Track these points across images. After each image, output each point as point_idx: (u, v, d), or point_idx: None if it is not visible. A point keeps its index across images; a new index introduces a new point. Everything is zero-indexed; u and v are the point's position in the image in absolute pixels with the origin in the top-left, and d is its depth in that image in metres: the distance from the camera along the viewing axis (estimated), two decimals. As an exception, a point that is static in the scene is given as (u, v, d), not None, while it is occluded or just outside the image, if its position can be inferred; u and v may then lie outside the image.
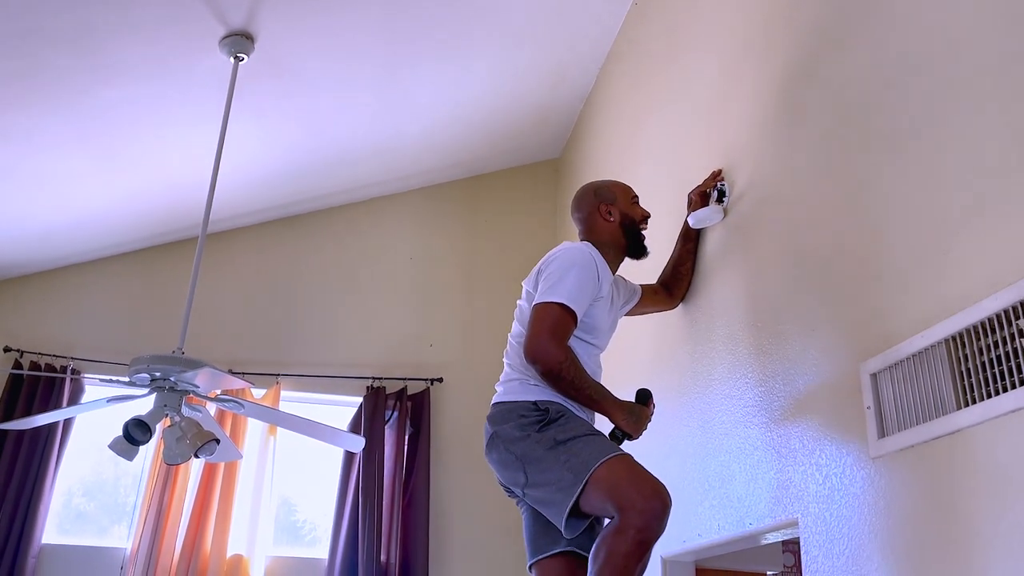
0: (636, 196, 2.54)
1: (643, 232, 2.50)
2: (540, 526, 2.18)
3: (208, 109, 3.67)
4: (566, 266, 2.21)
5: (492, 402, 2.26)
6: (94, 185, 4.08)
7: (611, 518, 1.97)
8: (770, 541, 2.37)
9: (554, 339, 2.12)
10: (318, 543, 4.56)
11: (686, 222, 2.79)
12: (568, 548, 2.13)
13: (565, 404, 2.16)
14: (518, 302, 2.34)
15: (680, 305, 2.90)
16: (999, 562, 1.42)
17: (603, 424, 2.25)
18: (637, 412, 2.19)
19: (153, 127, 3.79)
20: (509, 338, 2.33)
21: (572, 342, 2.23)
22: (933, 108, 1.71)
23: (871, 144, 1.92)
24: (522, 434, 2.11)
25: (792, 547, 3.57)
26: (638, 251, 2.48)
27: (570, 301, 2.15)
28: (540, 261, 2.32)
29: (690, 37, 3.25)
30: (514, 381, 2.22)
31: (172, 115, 3.74)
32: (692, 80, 3.17)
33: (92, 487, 4.57)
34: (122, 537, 4.40)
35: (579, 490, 1.97)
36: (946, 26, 1.70)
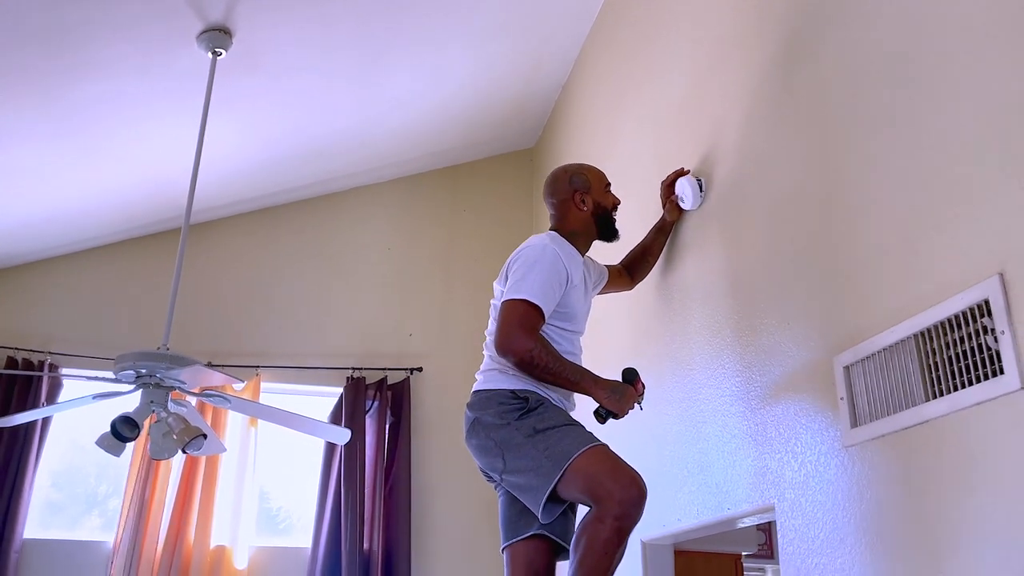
0: (609, 183, 2.58)
1: (615, 218, 2.55)
2: (516, 511, 2.25)
3: (187, 104, 3.66)
4: (529, 263, 2.26)
5: (472, 390, 2.32)
6: (72, 179, 4.06)
7: (589, 507, 2.05)
8: (747, 525, 2.46)
9: (522, 329, 2.16)
10: (300, 533, 4.60)
11: (663, 216, 2.86)
12: (540, 532, 2.20)
13: (544, 393, 2.23)
14: (492, 301, 2.39)
15: (659, 293, 2.98)
16: (965, 543, 1.52)
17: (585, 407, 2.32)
18: (620, 390, 2.21)
19: (132, 122, 3.77)
20: (486, 333, 2.38)
21: (551, 331, 2.29)
22: (908, 110, 1.79)
23: (848, 140, 2.00)
24: (502, 421, 2.18)
25: (764, 526, 3.70)
26: (609, 236, 2.54)
27: (533, 297, 2.19)
28: (508, 259, 2.36)
29: (668, 27, 3.30)
30: (494, 370, 2.28)
31: (151, 110, 3.73)
32: (670, 69, 3.22)
33: (63, 478, 4.57)
34: (96, 528, 4.42)
35: (558, 477, 2.04)
36: (924, 24, 1.77)
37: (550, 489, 2.06)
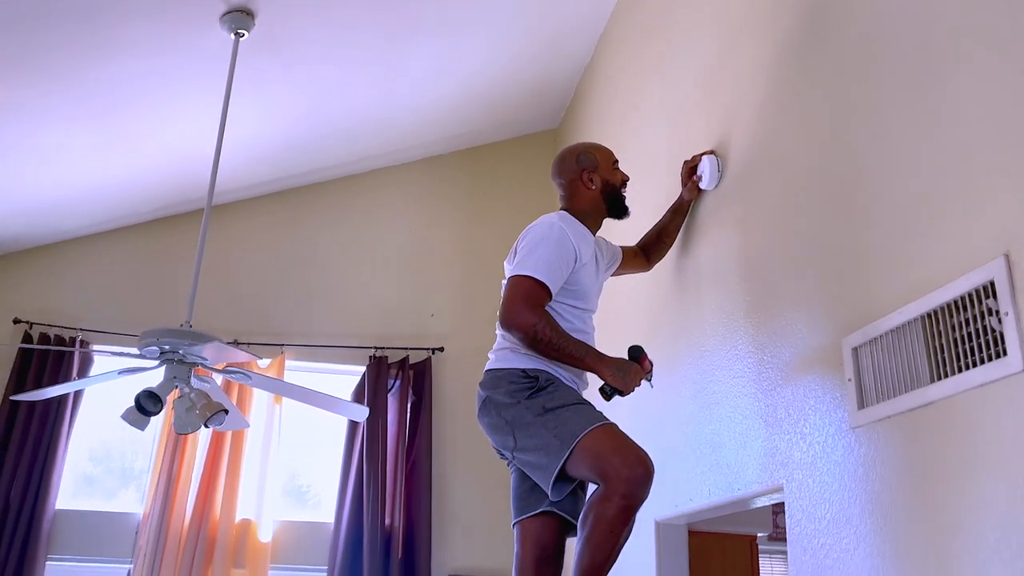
0: (616, 160, 2.57)
1: (624, 194, 2.54)
2: (526, 488, 2.28)
3: (210, 85, 3.71)
4: (536, 241, 2.27)
5: (485, 369, 2.34)
6: (99, 159, 4.14)
7: (596, 485, 2.07)
8: (757, 506, 2.47)
9: (526, 305, 2.17)
10: (324, 508, 4.68)
11: (681, 195, 2.86)
12: (549, 509, 2.22)
13: (554, 373, 2.24)
14: (502, 281, 2.40)
15: (673, 274, 2.98)
16: (968, 523, 1.51)
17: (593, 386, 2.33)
18: (625, 367, 2.22)
19: (156, 103, 3.84)
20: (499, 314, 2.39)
21: (562, 308, 2.30)
22: (917, 93, 1.77)
23: (860, 124, 1.98)
24: (512, 400, 2.20)
25: (781, 508, 3.70)
26: (619, 213, 2.54)
27: (539, 273, 2.20)
28: (517, 239, 2.37)
29: (687, 7, 3.27)
30: (505, 349, 2.29)
31: (174, 91, 3.78)
32: (688, 50, 3.20)
33: (99, 453, 4.70)
34: (131, 501, 4.54)
35: (566, 456, 2.06)
36: (935, 9, 1.75)
37: (559, 468, 2.08)
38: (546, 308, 2.23)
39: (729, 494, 2.46)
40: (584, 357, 2.21)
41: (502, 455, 2.34)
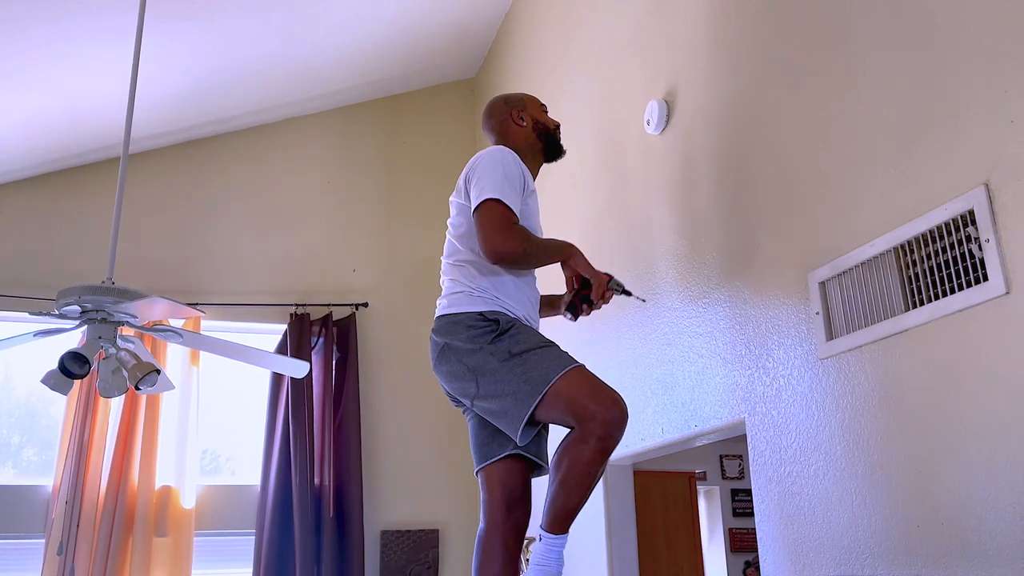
0: (544, 106, 2.57)
1: (558, 136, 2.52)
2: (487, 434, 2.25)
3: (114, 24, 3.43)
4: (490, 166, 2.24)
5: (437, 315, 2.27)
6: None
7: (569, 428, 2.07)
8: (715, 440, 2.54)
9: (505, 229, 2.15)
10: (246, 472, 4.54)
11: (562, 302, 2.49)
12: (514, 452, 2.20)
13: (512, 314, 2.21)
14: (448, 221, 2.35)
15: (621, 219, 2.99)
16: (948, 443, 1.59)
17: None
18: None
19: (52, 44, 3.51)
20: (443, 259, 2.34)
21: None
22: (892, 18, 1.81)
23: (828, 52, 2.01)
24: (474, 346, 2.15)
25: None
26: (554, 153, 2.51)
27: (502, 195, 2.18)
28: (463, 172, 2.32)
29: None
30: (459, 293, 2.24)
31: (73, 33, 3.47)
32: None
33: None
34: (9, 476, 4.27)
35: (537, 401, 2.04)
36: (897, -49, 1.78)
37: (528, 413, 2.06)
38: None
39: (685, 431, 2.51)
40: (562, 249, 2.27)
41: (458, 403, 2.29)
